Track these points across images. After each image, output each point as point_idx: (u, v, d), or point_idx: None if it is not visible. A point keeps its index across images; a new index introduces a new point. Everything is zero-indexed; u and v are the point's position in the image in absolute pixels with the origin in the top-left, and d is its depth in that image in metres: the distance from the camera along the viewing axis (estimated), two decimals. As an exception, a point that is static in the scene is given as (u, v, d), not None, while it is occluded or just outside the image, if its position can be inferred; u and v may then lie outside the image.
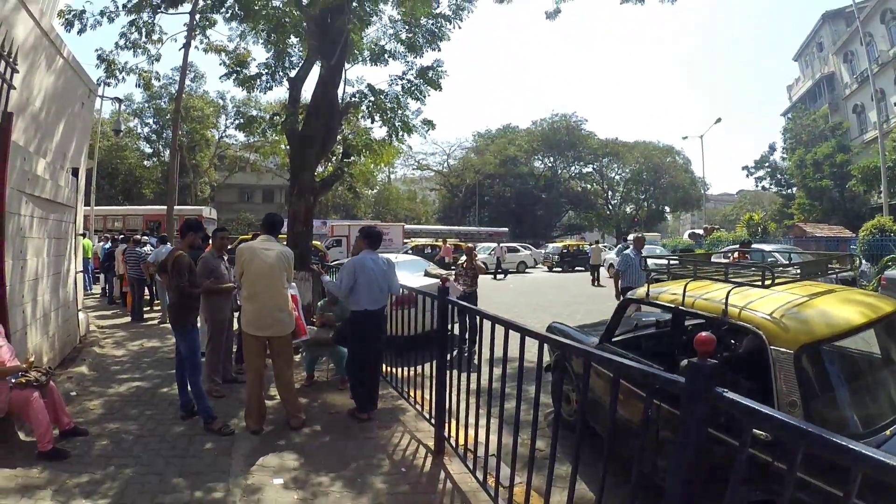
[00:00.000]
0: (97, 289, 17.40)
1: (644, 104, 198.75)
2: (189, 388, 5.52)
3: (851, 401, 3.13)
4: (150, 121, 49.62)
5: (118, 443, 5.05)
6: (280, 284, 5.26)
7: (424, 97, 10.89)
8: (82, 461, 4.59)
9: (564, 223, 72.04)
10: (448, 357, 4.83)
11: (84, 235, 18.38)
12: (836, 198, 35.94)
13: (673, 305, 4.07)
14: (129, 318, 12.22)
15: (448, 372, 4.74)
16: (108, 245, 16.50)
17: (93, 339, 9.75)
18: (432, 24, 10.51)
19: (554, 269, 33.22)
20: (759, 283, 3.68)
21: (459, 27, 10.67)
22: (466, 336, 8.91)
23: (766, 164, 45.52)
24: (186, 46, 16.62)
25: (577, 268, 32.71)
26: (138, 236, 14.39)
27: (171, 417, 5.69)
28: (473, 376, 4.34)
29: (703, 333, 2.03)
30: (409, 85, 10.78)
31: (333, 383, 7.08)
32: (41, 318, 6.84)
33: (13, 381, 4.66)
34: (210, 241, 7.44)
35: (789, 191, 43.63)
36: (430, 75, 10.68)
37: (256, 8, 9.37)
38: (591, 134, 67.99)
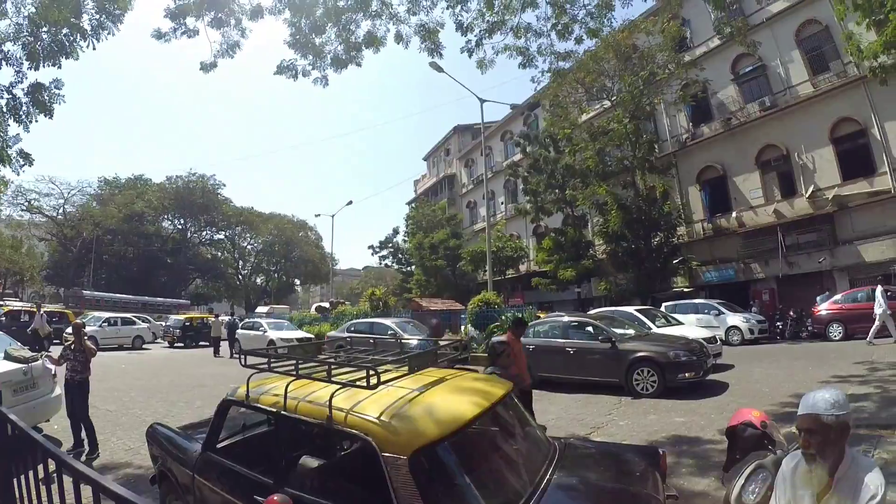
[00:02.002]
0: None
1: (285, 178, 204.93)
2: None
3: (480, 492, 3.00)
4: None
5: None
6: None
7: (30, 121, 8.75)
8: None
9: (191, 291, 67.13)
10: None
11: None
12: (448, 275, 41.62)
13: (275, 409, 3.59)
14: None
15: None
16: None
17: None
18: (65, 35, 8.59)
19: (175, 345, 29.50)
20: (364, 384, 3.29)
21: (94, 48, 8.98)
22: (83, 438, 7.36)
23: (390, 245, 50.38)
24: None
25: (201, 343, 29.49)
26: None
27: None
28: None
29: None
30: (13, 102, 8.50)
31: None
32: None
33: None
34: None
35: (409, 268, 48.68)
36: (43, 96, 8.65)
37: None
38: (227, 200, 66.65)
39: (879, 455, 5.69)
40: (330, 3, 9.85)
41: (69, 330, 25.07)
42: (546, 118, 32.51)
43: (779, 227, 24.78)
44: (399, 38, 10.39)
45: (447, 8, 10.18)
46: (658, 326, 14.83)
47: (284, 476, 3.33)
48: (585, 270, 29.55)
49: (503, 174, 41.52)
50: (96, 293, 46.79)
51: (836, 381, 10.16)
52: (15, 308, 25.93)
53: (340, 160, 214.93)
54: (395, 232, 50.44)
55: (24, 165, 9.46)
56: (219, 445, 4.13)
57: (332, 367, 3.72)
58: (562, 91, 26.54)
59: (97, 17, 8.80)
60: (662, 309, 19.18)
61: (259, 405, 3.74)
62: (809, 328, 19.39)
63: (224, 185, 67.01)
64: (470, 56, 10.64)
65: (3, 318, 21.54)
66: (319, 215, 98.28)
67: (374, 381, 3.26)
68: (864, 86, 21.73)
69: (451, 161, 56.94)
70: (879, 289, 15.23)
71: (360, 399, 3.24)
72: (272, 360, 4.12)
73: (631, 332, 12.39)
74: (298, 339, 22.60)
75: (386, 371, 3.63)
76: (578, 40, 10.74)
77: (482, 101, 24.51)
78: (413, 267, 46.76)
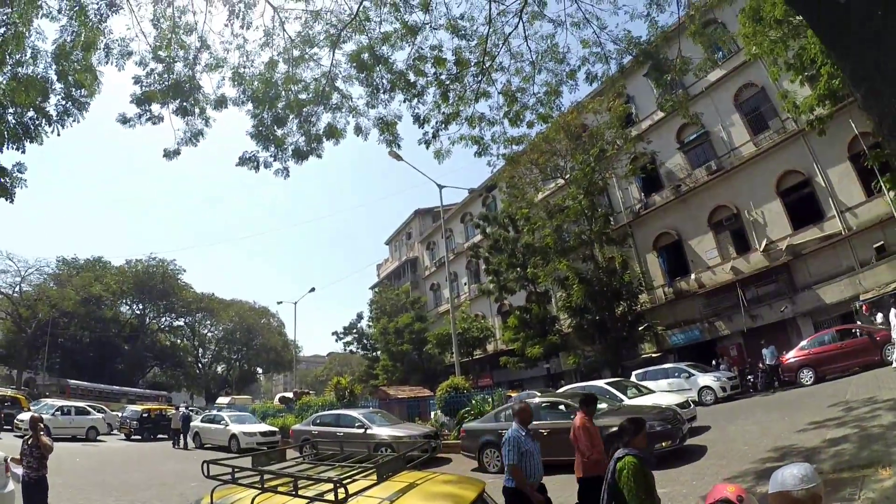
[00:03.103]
0: None
1: (247, 264, 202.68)
2: None
3: None
4: None
5: None
6: None
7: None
8: None
9: (149, 379, 64.64)
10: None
11: None
12: (415, 359, 41.16)
13: None
14: None
15: None
16: None
17: None
18: (31, 119, 8.65)
19: (133, 438, 28.01)
20: (332, 498, 3.16)
21: (59, 134, 9.02)
22: None
23: (354, 331, 49.90)
24: None
25: (159, 435, 27.98)
26: None
27: None
28: None
29: None
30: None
31: None
32: None
33: None
34: None
35: (374, 353, 47.98)
36: (6, 180, 8.68)
37: None
38: (187, 285, 65.55)
39: (865, 496, 5.77)
40: (291, 96, 10.23)
41: (21, 417, 23.84)
42: (503, 199, 33.52)
43: (738, 283, 25.71)
44: (359, 130, 10.78)
45: (404, 101, 10.69)
46: (630, 397, 14.94)
47: None
48: (553, 345, 29.71)
49: (465, 255, 42.16)
50: (81, 382, 45.14)
51: (812, 428, 10.35)
52: None
53: (302, 246, 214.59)
54: (360, 317, 50.33)
55: None
56: None
57: (298, 479, 3.58)
58: (517, 172, 27.62)
59: (63, 102, 8.89)
60: (633, 378, 19.37)
61: None
62: (782, 377, 19.91)
63: (185, 271, 65.79)
64: (427, 147, 11.06)
65: None
66: (282, 302, 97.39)
67: (341, 495, 3.14)
68: (803, 138, 23.26)
69: (412, 244, 57.75)
70: (893, 311, 15.88)
71: None
72: (236, 470, 3.95)
73: (604, 406, 12.28)
74: (262, 433, 22.09)
75: (353, 481, 3.52)
76: (530, 125, 11.38)
77: (440, 186, 25.06)
78: (378, 352, 46.41)
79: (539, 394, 16.84)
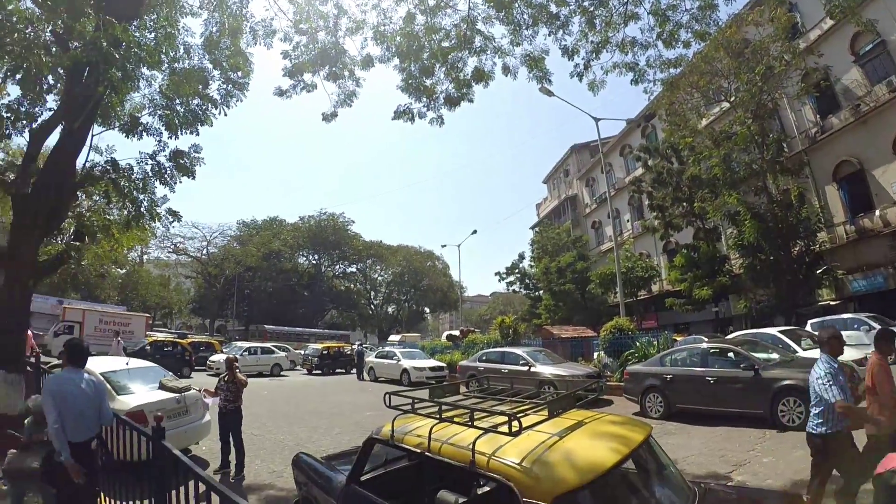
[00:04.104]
0: None
1: (409, 211, 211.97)
2: None
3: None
4: None
5: None
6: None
7: (174, 183, 9.76)
8: None
9: (327, 321, 71.03)
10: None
11: None
12: (578, 299, 40.71)
13: (419, 450, 3.73)
14: None
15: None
16: None
17: None
18: (197, 105, 9.56)
19: (313, 372, 31.21)
20: (506, 430, 3.37)
21: (226, 114, 9.93)
22: (230, 459, 8.15)
23: (517, 271, 50.05)
24: None
25: (337, 370, 31.44)
26: None
27: None
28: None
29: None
30: (158, 167, 9.55)
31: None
32: None
33: None
34: None
35: (536, 293, 48.08)
36: (184, 161, 9.63)
37: (9, 40, 7.47)
38: (356, 235, 69.83)
39: None
40: (434, 46, 10.14)
41: (213, 358, 27.47)
42: (664, 128, 30.76)
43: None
44: (506, 69, 10.44)
45: (549, 35, 10.13)
46: (804, 349, 13.35)
47: None
48: (722, 287, 27.47)
49: (626, 191, 40.01)
50: (275, 327, 52.00)
51: None
52: (159, 339, 28.68)
53: (462, 191, 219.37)
54: (521, 257, 50.25)
55: (172, 221, 10.45)
56: (362, 478, 4.32)
57: (474, 411, 3.80)
58: (676, 98, 25.08)
59: (224, 86, 9.76)
60: (808, 327, 17.37)
61: (403, 445, 3.91)
62: None
63: (353, 222, 70.63)
64: (580, 80, 10.44)
65: (148, 348, 23.61)
66: (446, 245, 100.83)
67: (515, 426, 3.33)
68: None
69: (570, 182, 55.99)
70: None
71: (501, 444, 3.31)
72: (416, 402, 4.30)
73: (775, 357, 11.27)
74: (430, 368, 23.42)
75: (525, 415, 3.67)
76: (686, 45, 10.23)
77: (596, 119, 23.99)
78: (541, 292, 46.27)
79: (706, 339, 15.85)
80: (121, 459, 5.43)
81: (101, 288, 51.15)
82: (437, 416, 3.91)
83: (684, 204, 29.08)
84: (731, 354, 11.31)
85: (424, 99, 10.74)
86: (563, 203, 56.54)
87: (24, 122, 8.60)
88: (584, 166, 52.96)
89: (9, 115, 8.54)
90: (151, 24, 8.57)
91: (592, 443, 3.46)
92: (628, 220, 44.22)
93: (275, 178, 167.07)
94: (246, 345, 32.17)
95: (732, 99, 24.85)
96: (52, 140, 8.80)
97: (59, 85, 8.61)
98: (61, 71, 7.79)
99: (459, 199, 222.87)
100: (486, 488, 3.90)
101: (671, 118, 27.67)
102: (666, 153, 30.10)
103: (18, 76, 7.54)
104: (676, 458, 5.47)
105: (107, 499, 5.55)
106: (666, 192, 29.74)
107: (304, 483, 5.10)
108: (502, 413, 3.65)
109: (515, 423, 3.34)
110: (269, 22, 9.90)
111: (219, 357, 27.67)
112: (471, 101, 10.82)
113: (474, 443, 3.30)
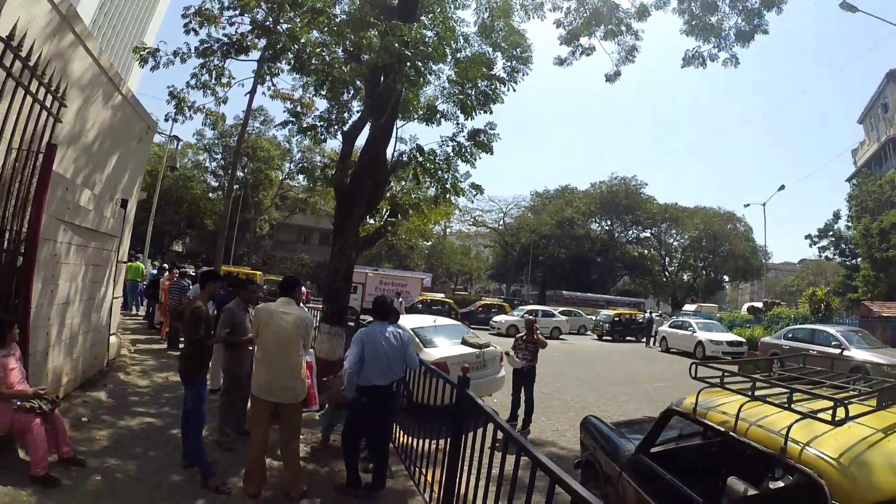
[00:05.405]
0: (144, 311, 17.71)
1: (706, 169, 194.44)
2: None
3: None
4: (219, 156, 52.31)
5: (112, 481, 4.97)
6: (295, 351, 5.03)
7: (475, 160, 10.69)
8: (72, 492, 4.61)
9: (619, 288, 70.36)
10: (462, 447, 4.44)
11: (136, 259, 19.10)
12: (906, 269, 32.58)
13: (723, 429, 3.49)
14: (165, 346, 12.25)
15: (459, 467, 4.39)
16: (155, 272, 17.03)
17: (120, 364, 9.82)
18: (486, 86, 10.40)
19: (604, 338, 31.18)
20: (829, 419, 2.95)
21: (514, 90, 10.60)
22: (518, 413, 8.90)
23: (830, 233, 41.58)
24: (252, 92, 17.91)
25: (628, 338, 31.07)
26: (185, 269, 14.54)
27: (172, 463, 5.52)
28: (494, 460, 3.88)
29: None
30: (458, 147, 10.65)
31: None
32: (67, 341, 6.98)
33: (18, 403, 4.71)
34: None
35: (854, 261, 39.53)
36: (481, 138, 10.52)
37: (313, 62, 9.40)
38: (650, 198, 67.11)
39: None
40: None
41: (496, 319, 30.12)
42: None
43: None
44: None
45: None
46: None
47: (716, 496, 3.38)
48: None
49: None
50: (572, 293, 54.13)
51: None
52: (428, 297, 32.97)
53: (763, 141, 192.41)
54: (836, 216, 41.00)
55: (476, 195, 11.52)
56: (652, 450, 4.21)
57: (794, 392, 3.44)
58: None
59: (509, 63, 10.45)
60: None
61: (706, 421, 3.72)
62: None
63: (646, 185, 67.59)
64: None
65: (420, 305, 28.58)
66: (748, 205, 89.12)
67: (840, 414, 2.95)
68: None
69: (891, 118, 44.56)
70: None
71: (817, 433, 3.01)
72: (726, 375, 3.93)
73: None
74: (728, 343, 21.85)
75: (850, 402, 3.18)
76: None
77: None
78: (859, 259, 37.65)
79: None
80: (419, 402, 6.51)
81: (410, 258, 59.63)
82: (749, 394, 3.56)
83: None
84: None
85: (713, 39, 10.12)
86: (885, 146, 45.67)
87: (336, 126, 10.46)
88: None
89: (322, 123, 10.61)
90: (429, 22, 9.49)
91: None
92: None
93: (564, 147, 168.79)
94: (527, 308, 33.75)
95: None
96: (360, 141, 10.59)
97: (360, 91, 10.25)
98: (359, 83, 9.37)
99: (762, 151, 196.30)
100: (781, 483, 3.44)
101: None
102: None
103: (324, 91, 9.44)
104: None
105: (402, 433, 6.52)
106: None
107: (589, 446, 5.14)
108: (829, 398, 3.18)
109: (841, 410, 2.93)
110: (535, -4, 10.18)
111: (501, 318, 29.85)
112: (765, 32, 9.87)
113: (789, 428, 3.00)
